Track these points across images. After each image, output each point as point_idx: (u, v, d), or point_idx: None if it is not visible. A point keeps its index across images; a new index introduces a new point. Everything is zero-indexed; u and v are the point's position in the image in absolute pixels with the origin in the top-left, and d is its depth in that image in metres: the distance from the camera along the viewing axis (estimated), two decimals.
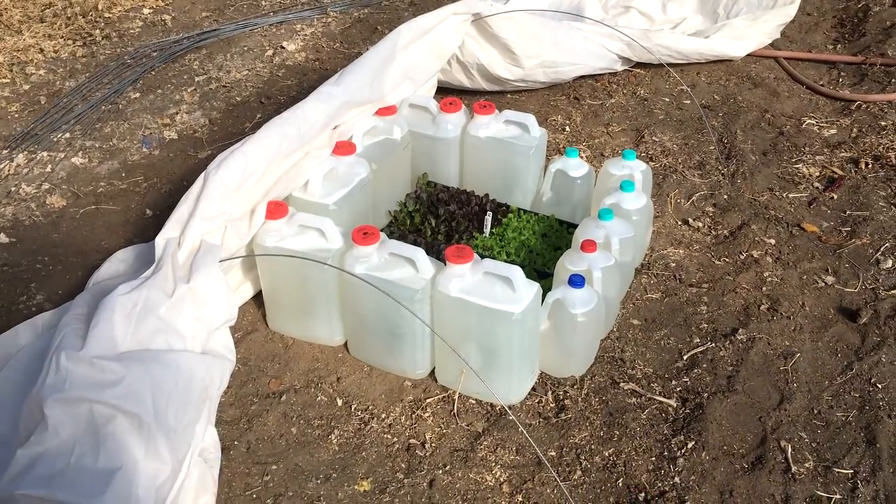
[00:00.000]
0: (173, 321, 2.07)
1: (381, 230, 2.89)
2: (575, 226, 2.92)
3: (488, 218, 2.89)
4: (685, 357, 2.58)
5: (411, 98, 3.08)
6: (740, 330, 2.66)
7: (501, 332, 2.31)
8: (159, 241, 2.23)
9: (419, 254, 2.36)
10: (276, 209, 2.49)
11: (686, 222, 3.13)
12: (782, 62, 4.14)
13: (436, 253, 2.76)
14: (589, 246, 2.51)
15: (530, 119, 2.96)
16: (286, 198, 2.63)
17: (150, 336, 2.02)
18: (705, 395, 2.44)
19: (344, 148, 2.74)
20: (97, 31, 4.32)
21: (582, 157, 3.05)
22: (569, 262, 2.53)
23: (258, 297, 2.70)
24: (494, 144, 2.97)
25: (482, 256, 2.78)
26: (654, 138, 3.58)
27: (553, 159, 2.99)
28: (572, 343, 2.47)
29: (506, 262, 2.77)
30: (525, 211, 3.01)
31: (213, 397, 2.11)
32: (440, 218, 2.94)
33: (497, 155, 2.98)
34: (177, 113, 3.72)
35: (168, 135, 3.58)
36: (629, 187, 2.75)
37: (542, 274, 2.74)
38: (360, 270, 2.37)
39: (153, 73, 4.01)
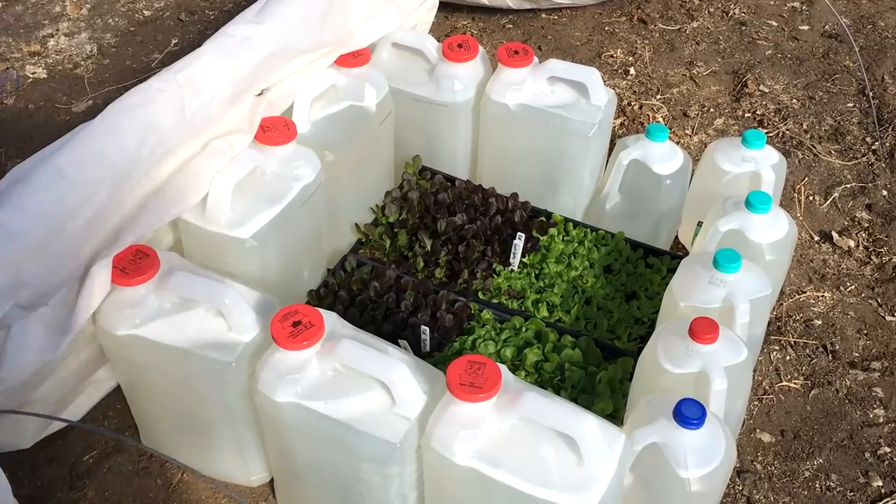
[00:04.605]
0: None
1: (345, 258, 1.76)
2: (656, 252, 1.79)
3: (518, 243, 1.75)
4: None
5: (395, 35, 1.88)
6: None
7: None
8: None
9: (397, 372, 1.23)
10: (135, 265, 1.34)
11: (827, 237, 1.99)
12: None
13: (432, 305, 1.65)
14: (706, 332, 1.38)
15: (591, 76, 1.78)
16: (173, 224, 1.50)
17: None
18: None
19: (275, 131, 1.57)
20: None
21: (672, 139, 1.87)
22: (666, 358, 1.41)
23: None
24: (531, 117, 1.80)
25: (506, 308, 1.67)
26: (761, 88, 2.39)
27: (626, 141, 1.82)
28: None
29: (545, 320, 1.66)
30: (576, 224, 1.86)
31: None
32: (439, 236, 1.80)
33: (535, 134, 1.82)
34: (52, 35, 2.51)
35: (33, 72, 2.38)
36: (762, 203, 1.60)
37: (607, 349, 1.62)
38: (288, 397, 1.25)
39: None
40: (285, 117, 1.62)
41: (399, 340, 1.58)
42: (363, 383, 1.26)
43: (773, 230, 1.63)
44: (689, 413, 1.29)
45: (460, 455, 1.18)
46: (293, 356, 1.26)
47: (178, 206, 1.44)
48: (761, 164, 1.75)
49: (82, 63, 2.42)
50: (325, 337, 1.28)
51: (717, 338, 1.40)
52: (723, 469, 1.32)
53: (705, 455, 1.30)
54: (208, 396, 1.36)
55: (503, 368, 1.25)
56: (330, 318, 1.32)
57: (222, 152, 1.51)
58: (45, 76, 2.37)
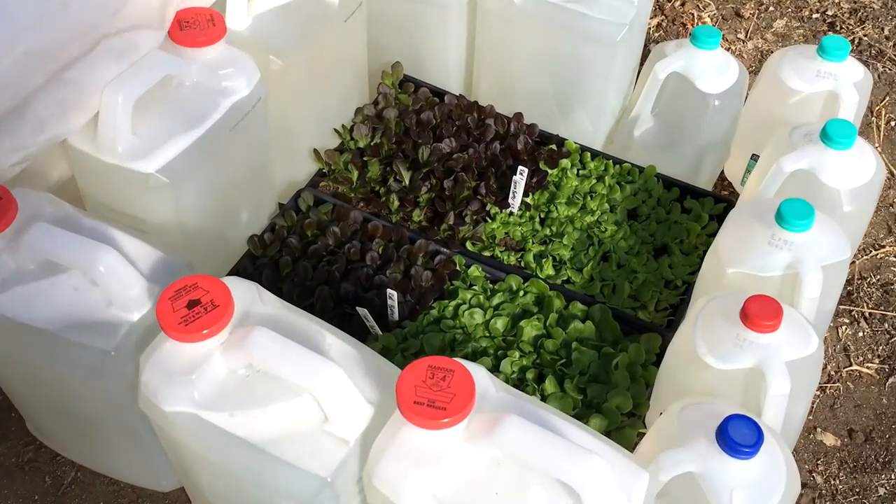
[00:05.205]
0: None
1: (299, 193, 1.39)
2: (696, 193, 1.41)
3: (520, 179, 1.36)
4: None
5: None
6: None
7: None
8: None
9: (327, 377, 0.87)
10: None
11: None
12: None
13: (406, 258, 1.29)
14: (764, 317, 1.02)
15: None
16: (65, 147, 1.13)
17: None
18: None
19: (196, 28, 1.18)
20: None
21: (722, 45, 1.46)
22: (707, 348, 1.06)
23: None
24: (541, 15, 1.40)
25: (501, 263, 1.30)
26: None
27: (664, 49, 1.41)
28: None
29: (550, 280, 1.30)
30: (596, 154, 1.47)
31: None
32: (420, 168, 1.41)
33: (546, 37, 1.43)
34: None
35: None
36: (844, 136, 1.21)
37: (628, 322, 1.25)
38: (180, 406, 0.90)
39: None
40: (212, 10, 1.22)
41: (357, 308, 1.21)
42: (287, 388, 0.90)
43: (856, 172, 1.25)
44: (739, 437, 0.93)
45: (413, 499, 0.83)
46: (187, 350, 0.90)
47: (53, 129, 1.07)
48: (841, 81, 1.35)
49: None
50: (236, 321, 0.92)
51: (779, 324, 1.04)
52: None
53: (760, 492, 0.96)
54: (87, 392, 1.01)
55: (480, 373, 0.89)
56: (245, 294, 0.95)
57: (119, 55, 1.12)
58: None
